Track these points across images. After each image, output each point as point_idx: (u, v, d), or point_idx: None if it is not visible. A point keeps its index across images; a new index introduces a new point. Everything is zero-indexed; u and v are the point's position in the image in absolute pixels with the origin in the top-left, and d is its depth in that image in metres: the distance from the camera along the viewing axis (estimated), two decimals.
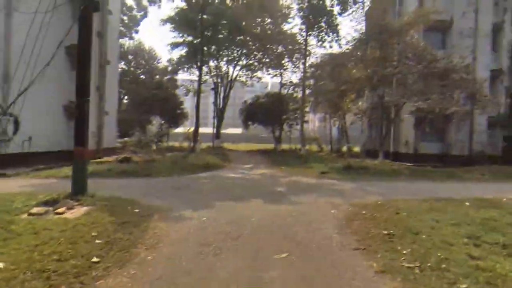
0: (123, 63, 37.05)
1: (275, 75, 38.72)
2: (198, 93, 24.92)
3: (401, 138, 22.99)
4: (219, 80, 38.44)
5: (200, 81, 25.91)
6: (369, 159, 24.74)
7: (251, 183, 12.13)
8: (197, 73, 33.74)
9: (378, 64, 19.22)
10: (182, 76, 45.42)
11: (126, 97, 38.47)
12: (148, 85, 37.92)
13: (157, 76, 39.19)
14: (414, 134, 21.57)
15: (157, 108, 35.09)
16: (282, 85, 34.90)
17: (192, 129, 40.52)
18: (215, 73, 38.63)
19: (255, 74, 41.79)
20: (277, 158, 23.69)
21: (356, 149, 34.41)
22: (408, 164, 19.96)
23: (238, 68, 40.55)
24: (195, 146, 23.04)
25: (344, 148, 31.42)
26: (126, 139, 27.45)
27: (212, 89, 35.40)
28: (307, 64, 28.66)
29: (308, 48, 29.13)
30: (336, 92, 21.25)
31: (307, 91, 36.29)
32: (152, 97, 35.86)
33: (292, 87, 34.99)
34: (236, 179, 12.95)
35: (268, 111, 33.80)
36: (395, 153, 23.22)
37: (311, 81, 34.31)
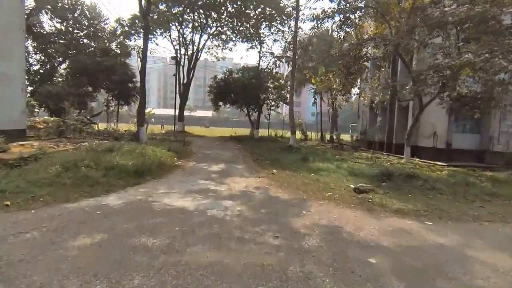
0: (52, 18, 27.53)
1: (252, 47, 31.23)
2: (143, 54, 16.84)
3: (425, 128, 16.66)
4: (182, 49, 30.19)
5: (146, 37, 17.70)
6: (378, 152, 18.37)
7: (225, 253, 4.22)
8: (157, 41, 25.58)
9: (412, 14, 12.53)
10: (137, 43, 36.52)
11: (63, 66, 29.10)
12: (91, 51, 28.85)
13: (106, 42, 30.04)
14: (446, 124, 15.27)
15: (103, 80, 26.43)
16: (260, 57, 27.47)
17: (152, 109, 32.28)
18: (177, 42, 30.30)
19: (227, 45, 34.01)
20: (259, 149, 16.61)
21: (346, 138, 28.22)
22: (443, 164, 13.73)
23: (206, 37, 32.55)
24: (139, 132, 15.36)
25: (335, 137, 25.05)
26: (39, 118, 18.93)
27: (172, 58, 27.15)
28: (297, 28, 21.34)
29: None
30: (348, 57, 14.19)
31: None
32: (96, 66, 27.02)
33: (273, 61, 27.71)
34: (180, 223, 5.16)
35: (244, 90, 26.32)
36: (414, 147, 16.97)
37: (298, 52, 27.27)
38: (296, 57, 22.28)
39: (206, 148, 16.89)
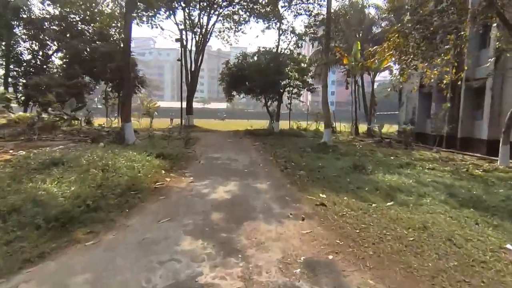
0: (43, 1, 23.80)
1: (268, 27, 26.63)
2: (126, 33, 12.69)
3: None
4: (188, 31, 25.92)
5: (128, 13, 13.46)
6: (443, 150, 13.70)
7: None
8: (163, 24, 21.65)
9: None
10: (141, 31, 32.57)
11: (59, 55, 25.52)
12: (88, 37, 25.10)
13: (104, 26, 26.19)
14: None
15: (101, 69, 22.72)
16: (280, 35, 22.84)
17: (157, 102, 28.45)
18: (183, 24, 26.06)
19: (240, 27, 29.54)
20: (283, 148, 12.25)
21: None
22: None
23: (215, 19, 28.22)
24: (123, 131, 11.34)
25: (375, 129, 20.36)
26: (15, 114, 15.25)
27: (177, 40, 23.02)
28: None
29: None
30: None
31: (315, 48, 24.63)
32: (91, 52, 23.24)
33: (294, 41, 23.05)
34: None
35: (260, 76, 21.96)
36: (490, 142, 12.22)
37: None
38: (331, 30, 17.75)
39: (215, 149, 12.73)
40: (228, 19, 28.77)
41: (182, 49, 23.38)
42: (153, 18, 26.95)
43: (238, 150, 12.65)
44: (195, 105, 79.79)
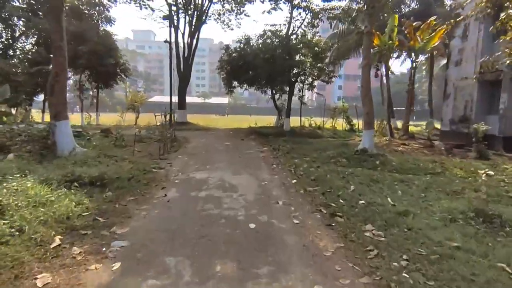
0: None
1: (275, 8, 22.07)
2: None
3: None
4: (180, 12, 21.43)
5: None
6: None
7: None
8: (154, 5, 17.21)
9: None
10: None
11: (28, 40, 21.10)
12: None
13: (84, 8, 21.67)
14: None
15: (72, 53, 18.36)
16: (292, 11, 18.19)
17: (144, 95, 24.03)
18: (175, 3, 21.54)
19: (242, 9, 25.03)
20: (306, 159, 7.92)
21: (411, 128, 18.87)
22: None
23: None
24: (54, 134, 7.12)
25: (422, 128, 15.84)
26: None
27: (165, 18, 18.56)
28: None
29: None
30: None
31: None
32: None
33: (308, 21, 18.47)
34: None
35: (267, 63, 17.60)
36: None
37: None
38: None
39: (203, 160, 8.34)
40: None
41: (172, 29, 18.89)
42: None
43: (239, 163, 8.27)
44: (195, 100, 75.39)
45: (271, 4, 22.33)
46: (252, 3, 24.44)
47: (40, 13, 19.57)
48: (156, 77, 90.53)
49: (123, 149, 9.23)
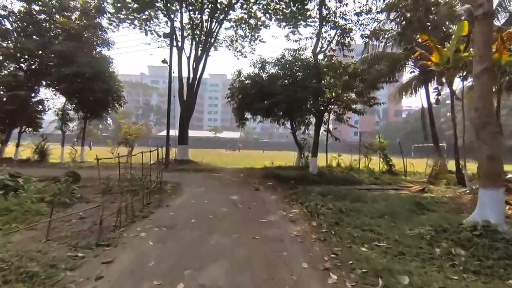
0: None
1: (293, 31, 18.99)
2: None
3: None
4: (184, 30, 18.50)
5: None
6: None
7: None
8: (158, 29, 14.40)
9: None
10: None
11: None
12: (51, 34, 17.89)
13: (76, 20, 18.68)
14: None
15: (56, 76, 15.20)
16: (321, 30, 14.69)
17: (142, 126, 20.48)
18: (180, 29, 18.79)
19: (257, 34, 22.28)
20: (405, 260, 3.53)
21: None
22: None
23: (225, 25, 21.43)
24: None
25: None
26: None
27: (165, 36, 15.40)
28: None
29: None
30: None
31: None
32: (46, 57, 15.90)
33: (339, 39, 14.87)
34: None
35: (287, 89, 14.12)
36: None
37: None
38: None
39: (180, 254, 4.17)
40: (241, 24, 21.58)
41: (175, 49, 15.72)
42: (148, 23, 20.12)
43: (256, 259, 3.97)
44: (206, 133, 72.56)
45: (289, 28, 19.42)
46: (268, 28, 21.66)
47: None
48: None
49: (56, 212, 5.19)
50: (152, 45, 28.71)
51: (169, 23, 17.98)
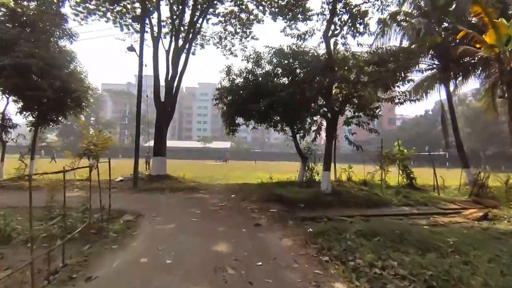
0: None
1: (292, 23, 16.09)
2: None
3: None
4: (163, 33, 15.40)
5: None
6: None
7: None
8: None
9: None
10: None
11: None
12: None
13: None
14: None
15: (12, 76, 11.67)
16: (333, 14, 11.60)
17: (110, 136, 17.02)
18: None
19: (249, 30, 19.42)
20: None
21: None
22: None
23: (213, 20, 18.59)
24: None
25: None
26: None
27: (134, 20, 12.07)
28: None
29: None
30: None
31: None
32: None
33: (354, 28, 11.84)
34: None
35: (290, 86, 11.19)
36: None
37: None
38: None
39: None
40: (231, 19, 18.67)
41: (144, 33, 12.48)
42: (124, 16, 16.94)
43: None
44: (195, 144, 68.66)
45: (286, 22, 16.54)
46: (261, 22, 18.75)
47: None
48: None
49: None
50: (127, 41, 25.33)
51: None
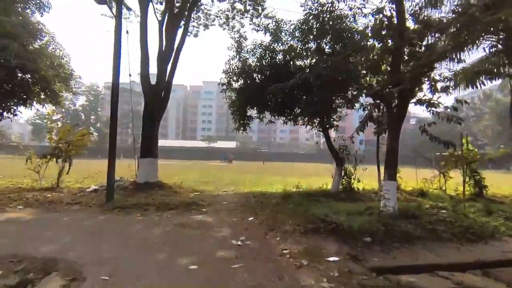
0: None
1: None
2: None
3: None
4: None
5: None
6: None
7: None
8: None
9: None
10: None
11: None
12: None
13: None
14: None
15: None
16: None
17: (87, 132, 13.57)
18: None
19: (261, 8, 16.09)
20: None
21: None
22: None
23: None
24: None
25: None
26: None
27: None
28: None
29: None
30: None
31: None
32: None
33: None
34: None
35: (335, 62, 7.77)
36: None
37: None
38: None
39: None
40: None
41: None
42: None
43: None
44: (199, 144, 65.15)
45: None
46: None
47: None
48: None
49: None
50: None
51: None
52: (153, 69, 10.93)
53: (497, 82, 10.21)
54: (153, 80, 10.56)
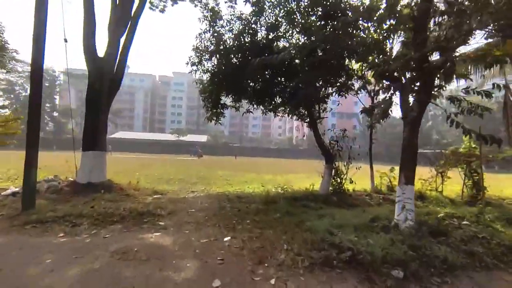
0: None
1: None
2: None
3: None
4: None
5: None
6: None
7: None
8: None
9: None
10: None
11: None
12: None
13: None
14: None
15: None
16: None
17: (8, 115, 10.77)
18: None
19: None
20: None
21: None
22: None
23: None
24: None
25: None
26: None
27: None
28: None
29: None
30: None
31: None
32: None
33: None
34: None
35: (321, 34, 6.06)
36: None
37: None
38: None
39: None
40: None
41: None
42: None
43: None
44: (167, 137, 61.60)
45: None
46: None
47: None
48: (125, 111, 77.19)
49: None
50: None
51: None
52: (102, 41, 8.57)
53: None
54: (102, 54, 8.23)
